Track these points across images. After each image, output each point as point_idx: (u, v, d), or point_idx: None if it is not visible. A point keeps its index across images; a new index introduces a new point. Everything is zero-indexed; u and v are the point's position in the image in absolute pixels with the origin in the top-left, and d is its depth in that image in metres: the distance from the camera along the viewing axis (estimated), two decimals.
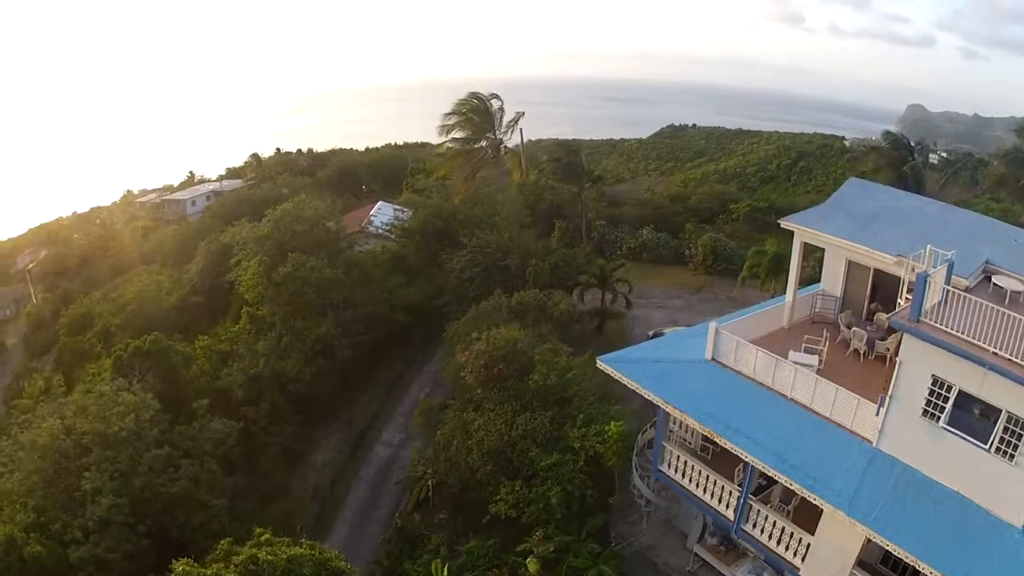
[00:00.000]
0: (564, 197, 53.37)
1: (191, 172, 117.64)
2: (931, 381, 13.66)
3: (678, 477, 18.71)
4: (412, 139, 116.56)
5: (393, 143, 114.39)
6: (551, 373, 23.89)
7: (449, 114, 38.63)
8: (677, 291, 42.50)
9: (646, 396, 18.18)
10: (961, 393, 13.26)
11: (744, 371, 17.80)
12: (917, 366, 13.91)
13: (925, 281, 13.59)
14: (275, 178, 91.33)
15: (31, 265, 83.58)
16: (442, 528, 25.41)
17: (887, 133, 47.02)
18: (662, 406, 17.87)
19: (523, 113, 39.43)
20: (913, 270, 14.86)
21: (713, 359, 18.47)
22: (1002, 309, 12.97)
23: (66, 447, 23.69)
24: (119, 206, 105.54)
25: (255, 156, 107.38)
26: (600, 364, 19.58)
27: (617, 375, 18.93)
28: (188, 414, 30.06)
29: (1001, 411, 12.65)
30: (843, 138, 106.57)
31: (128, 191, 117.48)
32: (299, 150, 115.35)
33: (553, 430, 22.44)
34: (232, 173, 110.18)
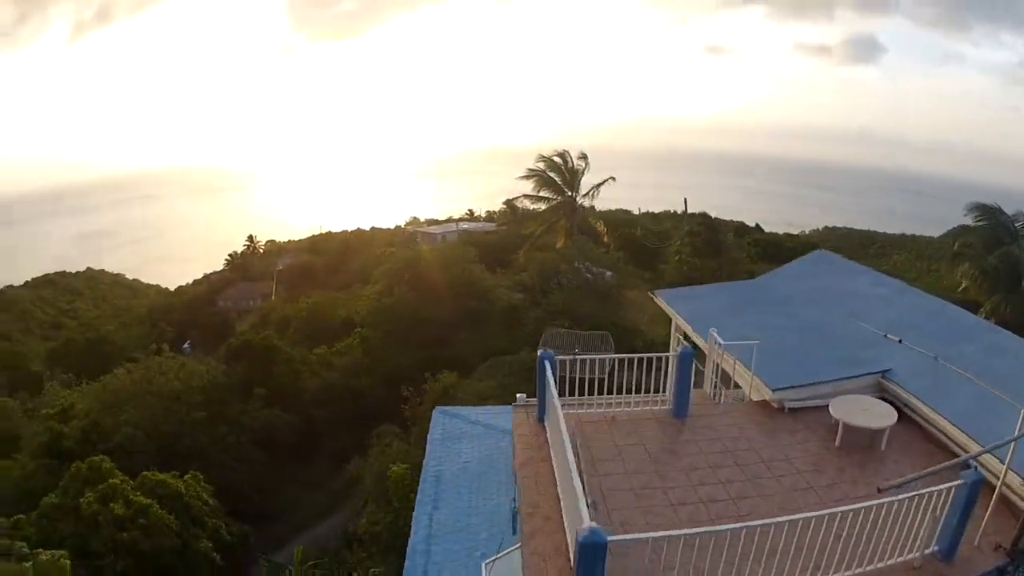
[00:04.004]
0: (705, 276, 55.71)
1: (470, 210, 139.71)
2: None
3: None
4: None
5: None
6: None
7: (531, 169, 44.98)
8: None
9: None
10: None
11: None
12: None
13: None
14: (520, 225, 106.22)
15: (281, 267, 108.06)
16: None
17: (978, 206, 34.56)
18: None
19: (613, 178, 44.41)
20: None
21: None
22: None
23: (138, 388, 36.55)
24: (387, 232, 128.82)
25: (510, 203, 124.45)
26: None
27: None
28: (256, 398, 41.74)
29: None
30: None
31: (414, 218, 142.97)
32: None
33: None
34: (489, 217, 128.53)
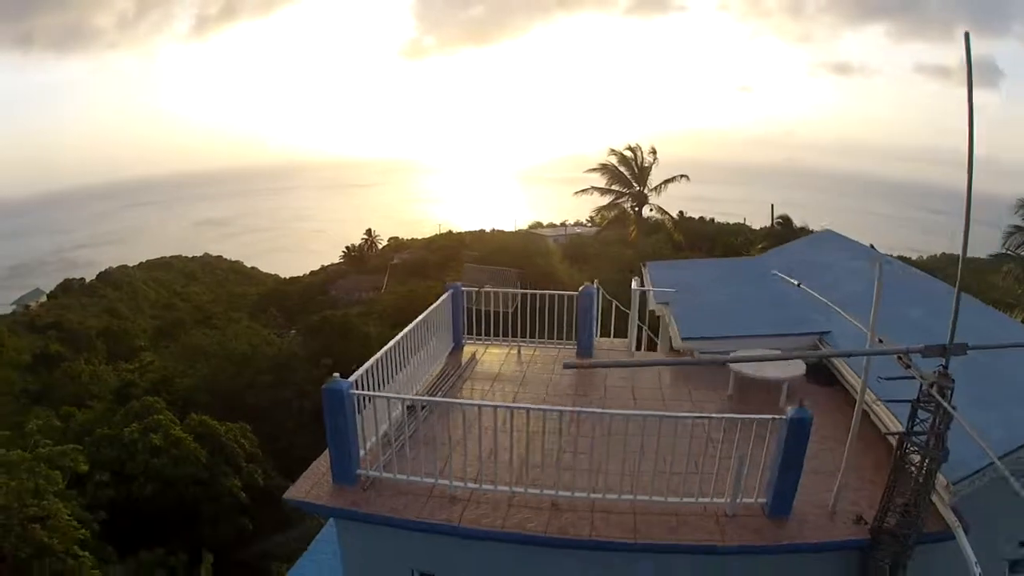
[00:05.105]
0: None
1: (591, 215, 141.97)
2: None
3: None
4: None
5: None
6: None
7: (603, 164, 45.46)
8: None
9: None
10: None
11: None
12: None
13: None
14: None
15: (396, 261, 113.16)
16: None
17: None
18: None
19: (685, 176, 44.43)
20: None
21: None
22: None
23: (212, 350, 40.55)
24: (506, 234, 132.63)
25: (619, 208, 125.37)
26: None
27: None
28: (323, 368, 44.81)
29: None
30: None
31: (536, 222, 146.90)
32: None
33: None
34: (602, 220, 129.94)
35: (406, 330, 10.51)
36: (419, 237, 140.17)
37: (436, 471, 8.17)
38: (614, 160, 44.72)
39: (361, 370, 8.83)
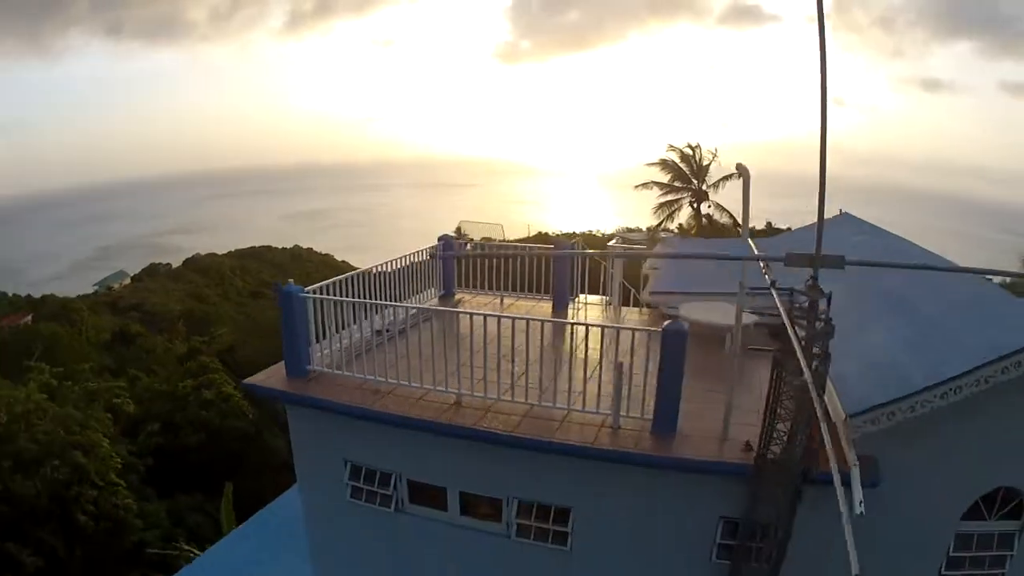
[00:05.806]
0: None
1: (680, 223, 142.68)
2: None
3: None
4: None
5: None
6: None
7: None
8: None
9: None
10: None
11: None
12: None
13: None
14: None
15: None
16: None
17: None
18: None
19: (739, 174, 44.52)
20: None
21: None
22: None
23: (274, 323, 44.24)
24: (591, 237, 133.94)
25: (709, 218, 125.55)
26: None
27: None
28: None
29: None
30: None
31: (625, 227, 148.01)
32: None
33: None
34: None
35: (386, 260, 12.42)
36: (510, 238, 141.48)
37: (367, 370, 9.57)
38: (675, 157, 45.25)
39: (322, 283, 10.35)
